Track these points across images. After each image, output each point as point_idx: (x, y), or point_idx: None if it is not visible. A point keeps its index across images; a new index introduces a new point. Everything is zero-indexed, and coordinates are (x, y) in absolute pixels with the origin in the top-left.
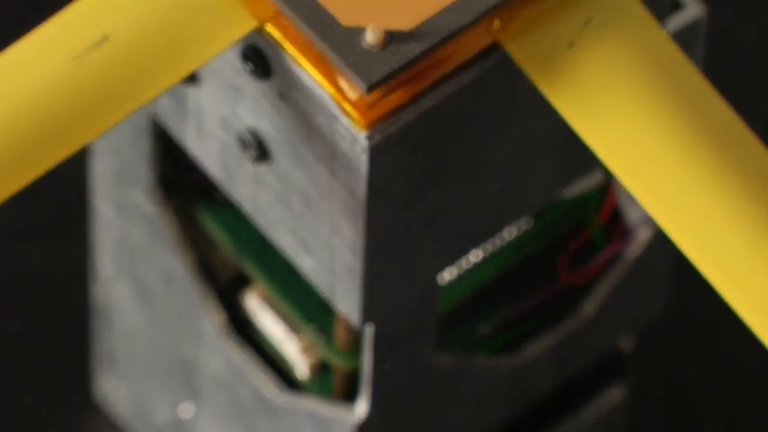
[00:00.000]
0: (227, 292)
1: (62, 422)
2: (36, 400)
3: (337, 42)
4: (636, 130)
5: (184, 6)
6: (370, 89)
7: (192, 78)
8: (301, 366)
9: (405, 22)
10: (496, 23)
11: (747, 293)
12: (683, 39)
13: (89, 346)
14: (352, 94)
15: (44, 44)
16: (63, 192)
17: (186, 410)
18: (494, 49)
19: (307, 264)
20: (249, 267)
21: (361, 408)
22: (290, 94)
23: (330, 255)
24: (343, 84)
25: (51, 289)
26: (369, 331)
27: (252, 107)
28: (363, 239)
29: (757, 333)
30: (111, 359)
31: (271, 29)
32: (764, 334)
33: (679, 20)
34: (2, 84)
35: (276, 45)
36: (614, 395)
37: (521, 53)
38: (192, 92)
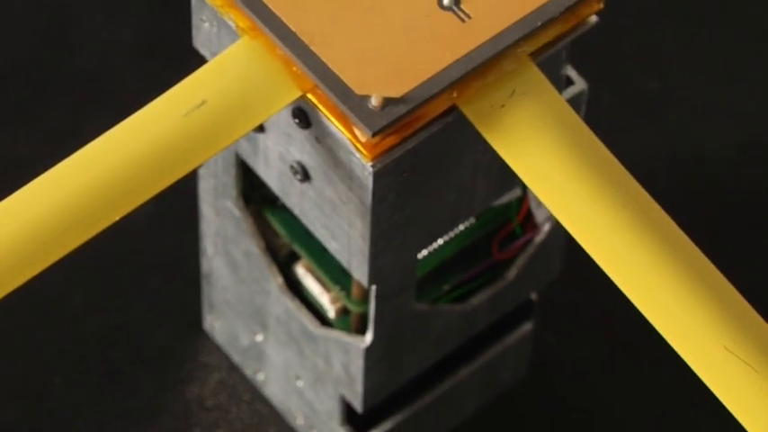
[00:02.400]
0: (285, 264)
1: (186, 343)
2: (170, 329)
3: (353, 105)
4: (545, 161)
5: (254, 83)
6: (374, 135)
7: (260, 128)
8: (331, 311)
9: (396, 92)
10: (455, 93)
11: (614, 260)
12: (574, 103)
13: (201, 297)
14: (363, 138)
15: (164, 106)
16: (184, 200)
17: (259, 337)
18: (453, 109)
19: (333, 247)
20: (298, 248)
21: (368, 337)
22: (323, 139)
23: (348, 241)
24: (357, 132)
25: (179, 260)
26: (373, 289)
27: (299, 147)
28: (369, 231)
29: (620, 287)
30: (213, 305)
31: (310, 96)
32: (621, 282)
33: (571, 91)
34: (140, 128)
35: (314, 107)
36: (525, 328)
37: (470, 112)
38: (260, 137)
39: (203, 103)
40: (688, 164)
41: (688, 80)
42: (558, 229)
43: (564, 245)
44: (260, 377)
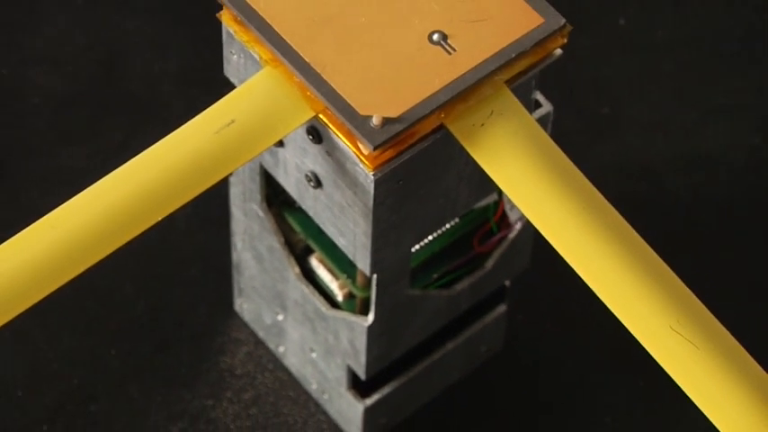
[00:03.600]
0: (301, 256)
1: (219, 322)
2: (206, 310)
3: (357, 124)
4: (518, 171)
5: (275, 105)
6: (375, 149)
7: (280, 143)
8: (339, 296)
9: (393, 112)
10: (442, 114)
11: (576, 253)
12: (542, 123)
13: (231, 283)
14: (365, 151)
15: (199, 124)
16: (218, 203)
17: (280, 317)
18: (441, 127)
19: (341, 242)
20: (312, 243)
21: (370, 317)
22: (332, 152)
23: (353, 237)
24: (361, 146)
25: (213, 253)
26: (374, 278)
27: (312, 159)
28: (371, 230)
29: (581, 276)
30: (242, 290)
31: (322, 116)
32: (582, 271)
33: (539, 112)
34: (179, 143)
35: (325, 125)
36: (500, 309)
37: (455, 129)
38: (280, 150)
39: (232, 122)
40: (633, 172)
41: (633, 106)
42: (528, 227)
43: (533, 240)
44: (281, 350)
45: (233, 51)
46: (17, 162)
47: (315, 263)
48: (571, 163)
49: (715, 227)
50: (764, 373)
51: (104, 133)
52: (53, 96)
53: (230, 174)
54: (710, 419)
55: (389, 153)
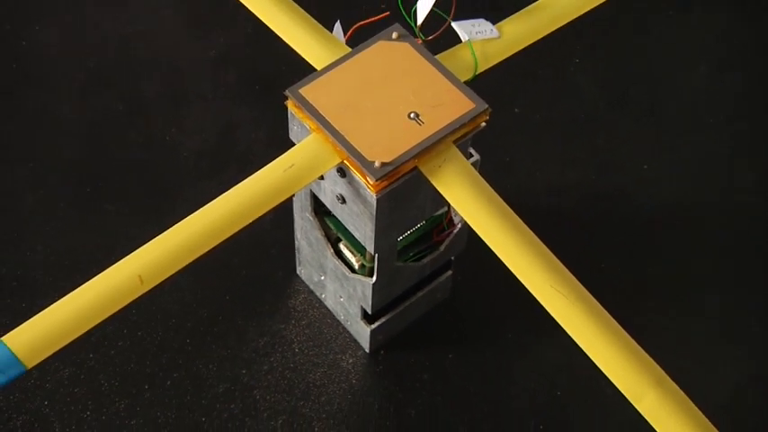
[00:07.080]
0: (334, 243)
1: (288, 280)
2: (281, 273)
3: (366, 166)
4: (461, 193)
5: (317, 155)
6: (376, 181)
7: (321, 177)
8: (356, 266)
9: (387, 159)
10: (416, 160)
11: (493, 240)
12: (474, 166)
13: (295, 258)
14: (371, 182)
15: (273, 167)
16: (286, 211)
17: (322, 277)
18: (415, 168)
19: (357, 235)
20: (340, 236)
21: (374, 278)
22: (352, 182)
23: (364, 233)
24: (368, 179)
25: (284, 241)
26: (376, 256)
27: (340, 186)
28: (374, 228)
29: (496, 253)
30: (301, 261)
31: (346, 161)
32: (497, 251)
33: (472, 160)
34: (262, 178)
35: (347, 167)
36: (448, 273)
37: (424, 170)
38: (321, 182)
39: (293, 165)
40: (525, 195)
41: (523, 157)
42: (464, 225)
43: (467, 233)
44: (323, 296)
45: (294, 124)
46: (173, 190)
47: (342, 247)
48: (491, 188)
49: (571, 229)
50: (603, 309)
51: (223, 173)
52: (195, 152)
53: (293, 195)
54: (574, 338)
55: (385, 183)
